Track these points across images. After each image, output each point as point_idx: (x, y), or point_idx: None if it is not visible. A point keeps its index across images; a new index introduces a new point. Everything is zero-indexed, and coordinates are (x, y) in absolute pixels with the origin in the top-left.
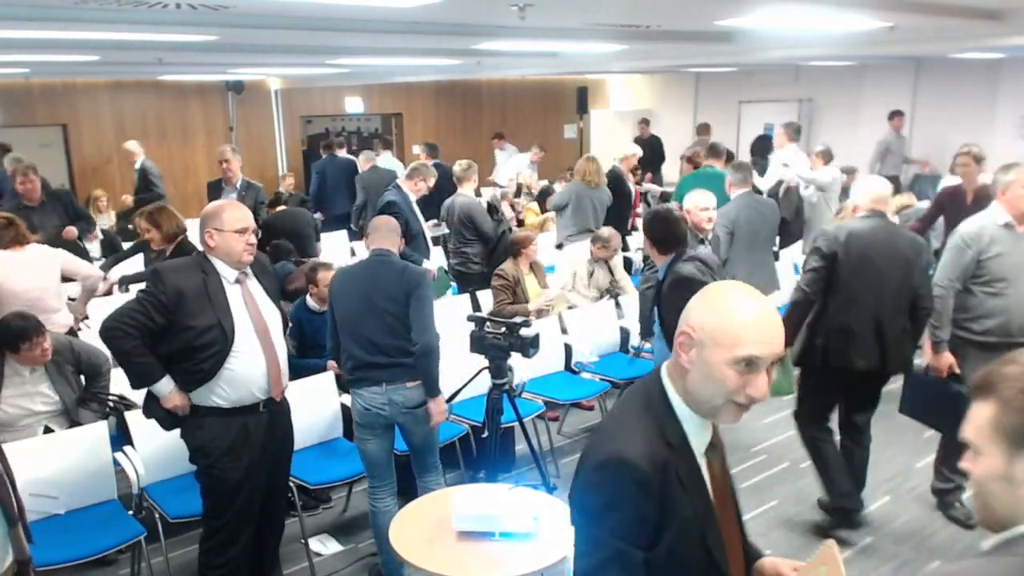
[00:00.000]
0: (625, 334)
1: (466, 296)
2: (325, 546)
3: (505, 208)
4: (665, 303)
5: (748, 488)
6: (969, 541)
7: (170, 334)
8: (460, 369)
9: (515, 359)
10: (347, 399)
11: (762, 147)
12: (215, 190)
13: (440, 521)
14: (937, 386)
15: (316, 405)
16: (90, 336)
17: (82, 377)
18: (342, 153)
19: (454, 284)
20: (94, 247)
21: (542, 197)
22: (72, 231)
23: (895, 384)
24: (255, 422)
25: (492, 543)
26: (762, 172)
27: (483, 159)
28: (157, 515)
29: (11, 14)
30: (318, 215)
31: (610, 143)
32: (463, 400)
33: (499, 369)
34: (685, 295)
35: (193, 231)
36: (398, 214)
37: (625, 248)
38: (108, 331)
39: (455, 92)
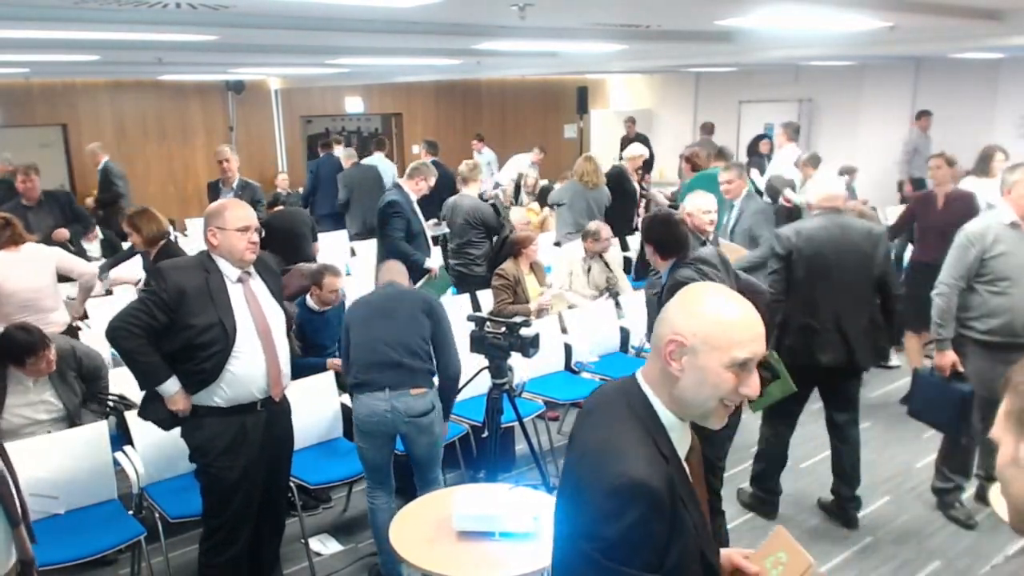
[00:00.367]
0: (625, 334)
1: (466, 296)
2: (325, 546)
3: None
4: None
5: None
6: (969, 541)
7: (171, 332)
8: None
9: (515, 359)
10: (347, 399)
11: (757, 147)
12: (214, 191)
13: (440, 521)
14: (940, 385)
15: (316, 405)
16: (89, 336)
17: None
18: (339, 151)
19: (452, 286)
20: (94, 247)
21: (542, 197)
22: (63, 233)
23: (894, 384)
24: (253, 421)
25: (492, 543)
26: (761, 171)
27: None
28: (157, 515)
29: (11, 14)
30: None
31: (610, 143)
32: (463, 400)
33: (499, 369)
34: None
35: (194, 231)
36: (399, 214)
37: (625, 248)
38: (114, 332)
39: (455, 92)
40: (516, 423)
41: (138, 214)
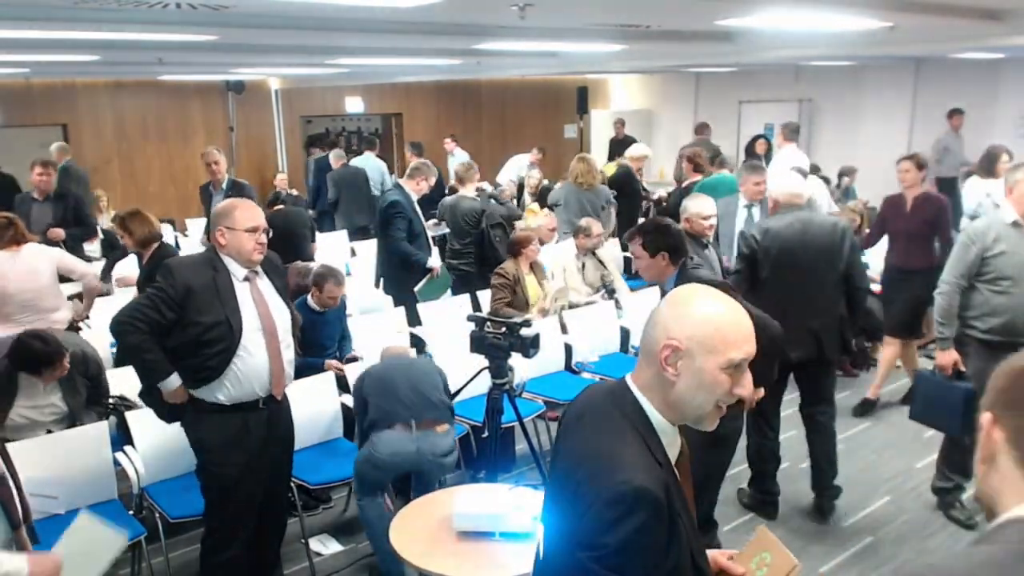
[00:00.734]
0: (625, 334)
1: (466, 296)
2: (325, 546)
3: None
4: None
5: None
6: (969, 542)
7: (178, 329)
8: (460, 369)
9: (515, 359)
10: (347, 399)
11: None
12: (206, 193)
13: (440, 521)
14: (942, 385)
15: (316, 405)
16: (89, 335)
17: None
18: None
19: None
20: (94, 247)
21: (542, 197)
22: (58, 232)
23: (894, 384)
24: (255, 419)
25: (492, 543)
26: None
27: (483, 159)
28: (157, 515)
29: (11, 14)
30: (312, 212)
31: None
32: (463, 400)
33: (499, 369)
34: None
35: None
36: (401, 214)
37: (626, 248)
38: (119, 326)
39: (455, 92)
40: (516, 423)
41: (129, 216)
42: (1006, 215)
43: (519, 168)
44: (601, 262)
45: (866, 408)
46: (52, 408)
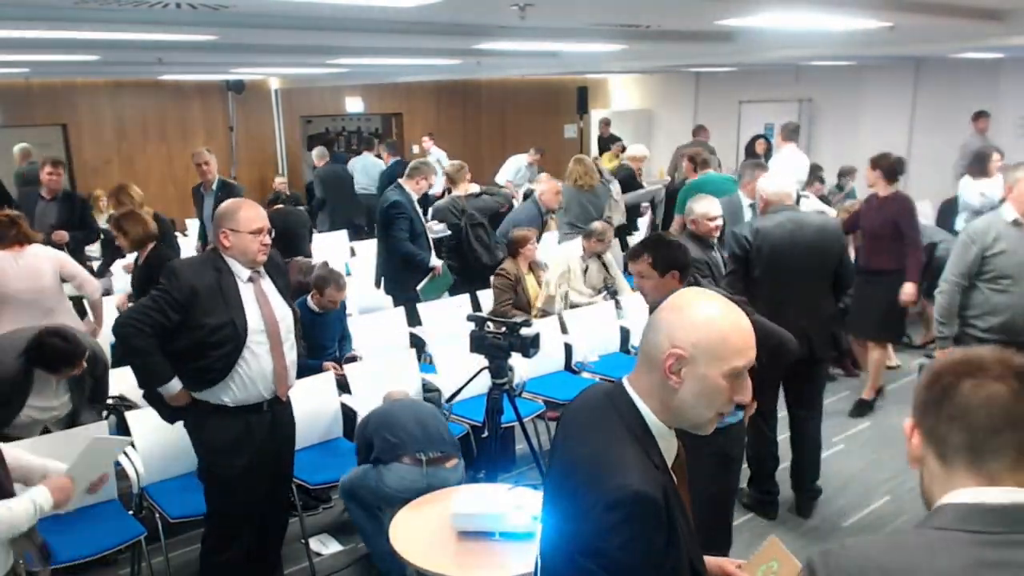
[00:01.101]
0: (625, 334)
1: (466, 296)
2: (325, 546)
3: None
4: None
5: None
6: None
7: (182, 331)
8: (460, 369)
9: (515, 359)
10: (347, 399)
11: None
12: (197, 195)
13: (440, 521)
14: None
15: (316, 405)
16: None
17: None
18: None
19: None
20: (94, 248)
21: None
22: (62, 235)
23: (894, 384)
24: (258, 420)
25: (492, 543)
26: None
27: (483, 159)
28: (157, 515)
29: (11, 14)
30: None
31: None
32: (463, 400)
33: (499, 369)
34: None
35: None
36: (403, 214)
37: (625, 247)
38: (122, 327)
39: (455, 92)
40: (516, 423)
41: (124, 216)
42: (1006, 214)
43: (518, 168)
44: (605, 265)
45: (863, 409)
46: (55, 410)
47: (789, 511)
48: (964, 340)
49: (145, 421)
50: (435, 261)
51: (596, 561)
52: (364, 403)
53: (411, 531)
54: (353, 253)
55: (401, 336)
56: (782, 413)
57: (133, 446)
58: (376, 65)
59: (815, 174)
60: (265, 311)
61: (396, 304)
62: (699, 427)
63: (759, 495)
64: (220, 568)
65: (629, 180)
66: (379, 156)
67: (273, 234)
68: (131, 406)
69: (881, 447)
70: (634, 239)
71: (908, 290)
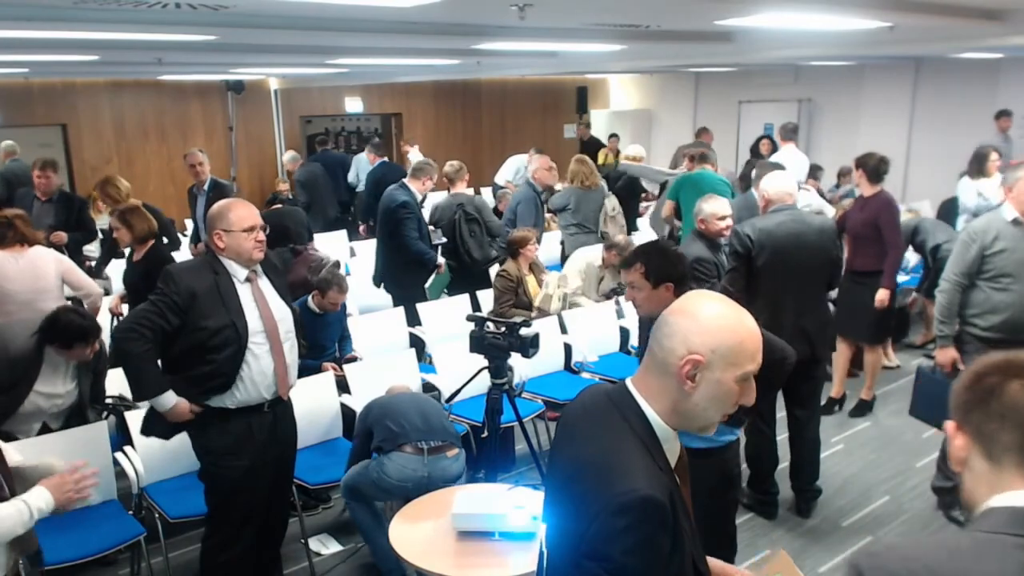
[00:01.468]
0: (625, 334)
1: (466, 296)
2: (325, 546)
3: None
4: None
5: None
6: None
7: (183, 335)
8: (460, 369)
9: (515, 359)
10: (347, 399)
11: (759, 147)
12: (192, 196)
13: (440, 521)
14: (942, 383)
15: (316, 405)
16: None
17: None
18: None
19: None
20: (93, 247)
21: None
22: (60, 236)
23: (894, 384)
24: (259, 422)
25: (492, 543)
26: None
27: (483, 159)
28: (157, 515)
29: (11, 14)
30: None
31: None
32: (463, 400)
33: (499, 369)
34: None
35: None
36: (412, 214)
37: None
38: (123, 333)
39: (455, 92)
40: (516, 423)
41: (130, 210)
42: (1006, 213)
43: (517, 169)
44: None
45: (863, 409)
46: (60, 398)
47: (789, 511)
48: (964, 339)
49: (148, 437)
50: (439, 259)
51: (602, 565)
52: (364, 403)
53: (411, 531)
54: (353, 253)
55: (401, 336)
56: (781, 413)
57: (127, 450)
58: (376, 65)
59: (814, 174)
60: (264, 311)
61: (396, 304)
62: (705, 429)
63: (759, 495)
64: (220, 568)
65: (631, 180)
66: (401, 154)
67: (267, 231)
68: (131, 406)
69: (881, 447)
70: (636, 237)
71: (881, 296)
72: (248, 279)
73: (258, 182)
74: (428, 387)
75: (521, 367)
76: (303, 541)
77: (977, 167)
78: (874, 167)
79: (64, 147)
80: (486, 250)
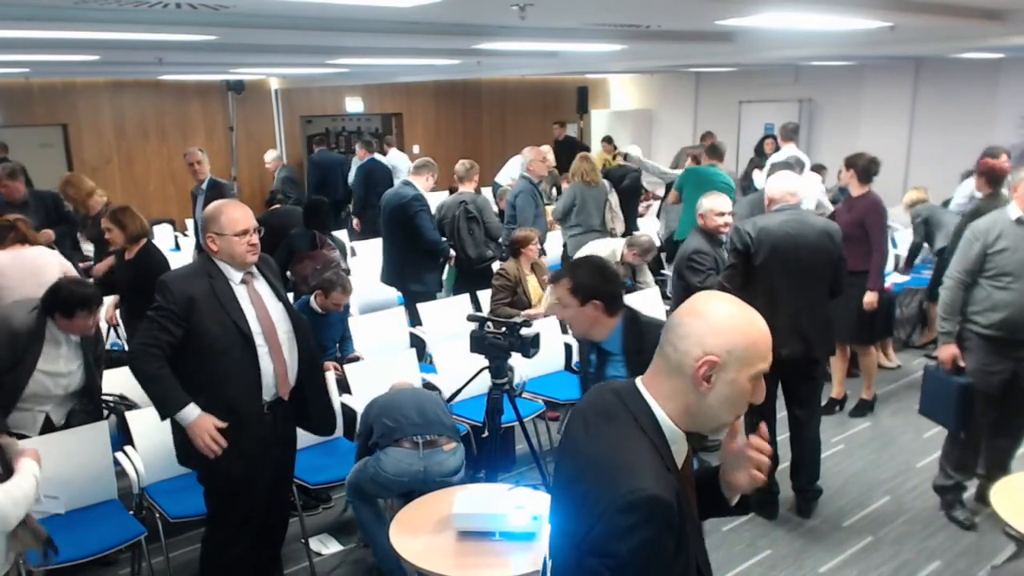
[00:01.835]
0: None
1: (466, 296)
2: (325, 546)
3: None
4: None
5: None
6: (969, 541)
7: (190, 342)
8: (460, 369)
9: (515, 359)
10: (347, 399)
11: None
12: (193, 197)
13: (440, 521)
14: (942, 379)
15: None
16: None
17: None
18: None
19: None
20: (91, 246)
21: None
22: (48, 234)
23: (894, 384)
24: (259, 423)
25: (492, 543)
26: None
27: (483, 159)
28: (157, 515)
29: (11, 14)
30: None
31: None
32: (463, 400)
33: (499, 369)
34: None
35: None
36: (425, 208)
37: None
38: (134, 355)
39: (455, 92)
40: (516, 423)
41: (121, 210)
42: (1011, 212)
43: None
44: (634, 271)
45: (863, 409)
46: (64, 378)
47: (789, 511)
48: (965, 336)
49: (145, 421)
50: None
51: (605, 562)
52: (365, 403)
53: (411, 531)
54: (353, 253)
55: (402, 336)
56: (781, 413)
57: (127, 450)
58: (376, 65)
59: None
60: (261, 313)
61: (409, 301)
62: (718, 431)
63: (759, 495)
64: (220, 568)
65: (632, 180)
66: (382, 153)
67: (262, 233)
68: (131, 406)
69: (881, 447)
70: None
71: (869, 299)
72: (244, 281)
73: (258, 182)
74: (429, 387)
75: (521, 367)
76: (303, 541)
77: None
78: (864, 167)
79: (64, 147)
80: (481, 249)
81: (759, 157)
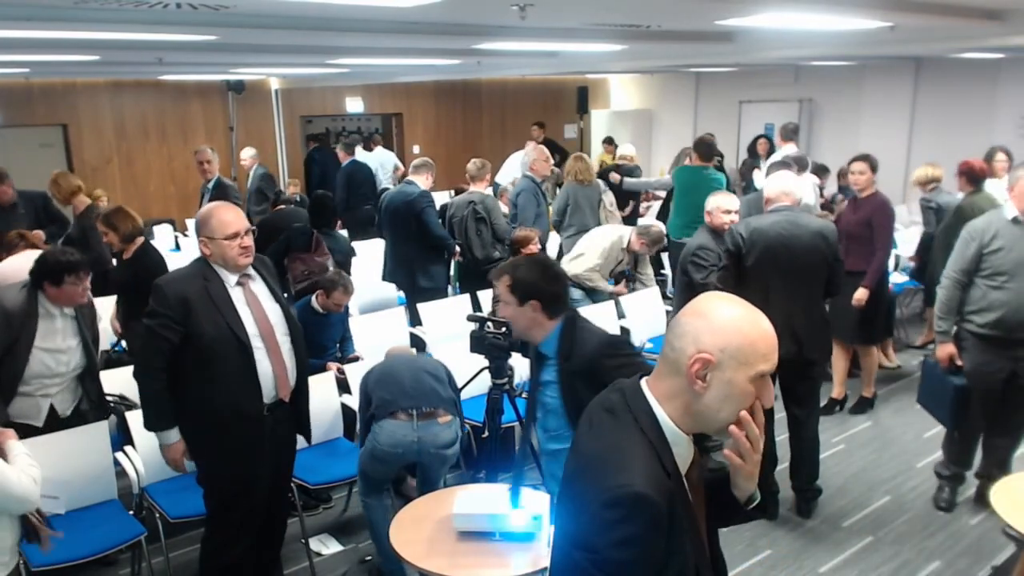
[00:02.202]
0: (625, 334)
1: (466, 296)
2: (325, 546)
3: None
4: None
5: None
6: (969, 541)
7: (187, 344)
8: (460, 369)
9: (515, 359)
10: (347, 399)
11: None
12: (201, 196)
13: (440, 521)
14: (940, 377)
15: (316, 405)
16: None
17: None
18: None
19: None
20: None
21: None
22: (39, 235)
23: (894, 384)
24: (259, 425)
25: (492, 543)
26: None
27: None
28: (157, 515)
29: (11, 14)
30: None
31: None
32: (463, 400)
33: (499, 369)
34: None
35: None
36: (432, 204)
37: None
38: (139, 372)
39: (455, 92)
40: (516, 423)
41: (113, 213)
42: (1007, 212)
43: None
44: (636, 260)
45: (863, 406)
46: (64, 354)
47: (789, 511)
48: (962, 335)
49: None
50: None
51: (588, 556)
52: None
53: (411, 531)
54: (353, 253)
55: (402, 336)
56: (780, 414)
57: (127, 450)
58: (376, 65)
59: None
60: (257, 314)
61: (424, 297)
62: (721, 431)
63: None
64: (220, 569)
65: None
66: (368, 150)
67: (255, 233)
68: (131, 406)
69: (881, 447)
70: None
71: (859, 295)
72: (240, 283)
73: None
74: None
75: (521, 367)
76: (303, 541)
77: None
78: (876, 166)
79: (64, 147)
80: (488, 251)
81: (752, 158)
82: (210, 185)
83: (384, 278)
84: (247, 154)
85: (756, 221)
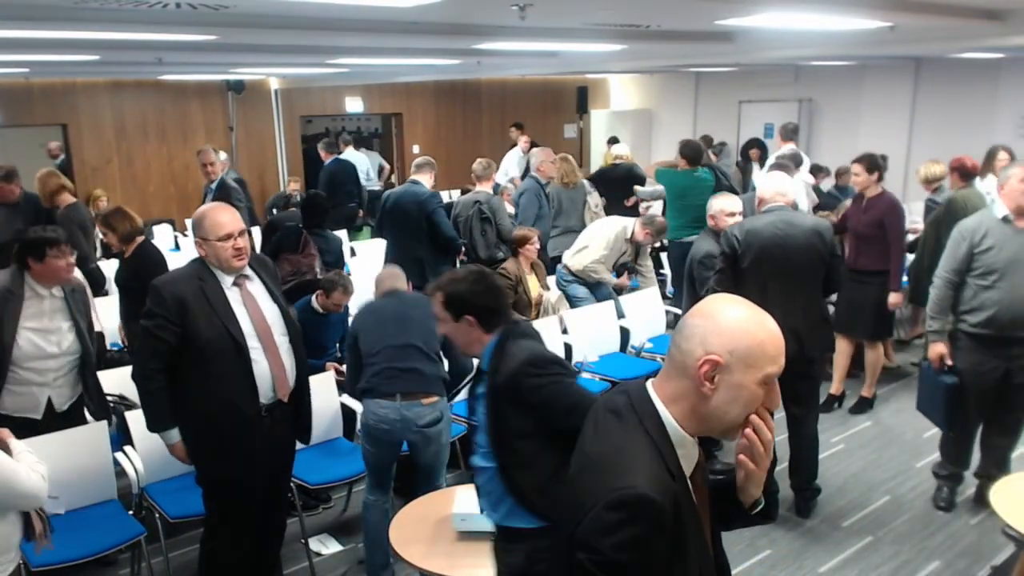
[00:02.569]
0: (625, 334)
1: None
2: (325, 546)
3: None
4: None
5: None
6: (969, 541)
7: (185, 345)
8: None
9: None
10: (347, 399)
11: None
12: (204, 196)
13: (440, 521)
14: (932, 377)
15: (316, 405)
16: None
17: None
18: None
19: None
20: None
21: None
22: None
23: (894, 384)
24: (257, 426)
25: (492, 543)
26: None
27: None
28: (157, 515)
29: (11, 14)
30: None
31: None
32: (463, 400)
33: None
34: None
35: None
36: (442, 204)
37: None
38: (137, 374)
39: (455, 92)
40: None
41: (111, 213)
42: (997, 211)
43: (516, 161)
44: (638, 251)
45: (863, 406)
46: (53, 335)
47: (789, 511)
48: (956, 336)
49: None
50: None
51: (589, 557)
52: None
53: (411, 531)
54: (353, 253)
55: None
56: (780, 413)
57: (127, 450)
58: (376, 65)
59: (817, 175)
60: (254, 315)
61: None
62: (728, 433)
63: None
64: (220, 569)
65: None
66: (338, 152)
67: (249, 236)
68: (131, 406)
69: (881, 447)
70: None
71: (894, 299)
72: (237, 284)
73: (259, 183)
74: None
75: None
76: (303, 541)
77: (986, 166)
78: (875, 166)
79: (64, 147)
80: (492, 251)
81: (745, 163)
82: (213, 186)
83: None
84: (217, 158)
85: (751, 222)
